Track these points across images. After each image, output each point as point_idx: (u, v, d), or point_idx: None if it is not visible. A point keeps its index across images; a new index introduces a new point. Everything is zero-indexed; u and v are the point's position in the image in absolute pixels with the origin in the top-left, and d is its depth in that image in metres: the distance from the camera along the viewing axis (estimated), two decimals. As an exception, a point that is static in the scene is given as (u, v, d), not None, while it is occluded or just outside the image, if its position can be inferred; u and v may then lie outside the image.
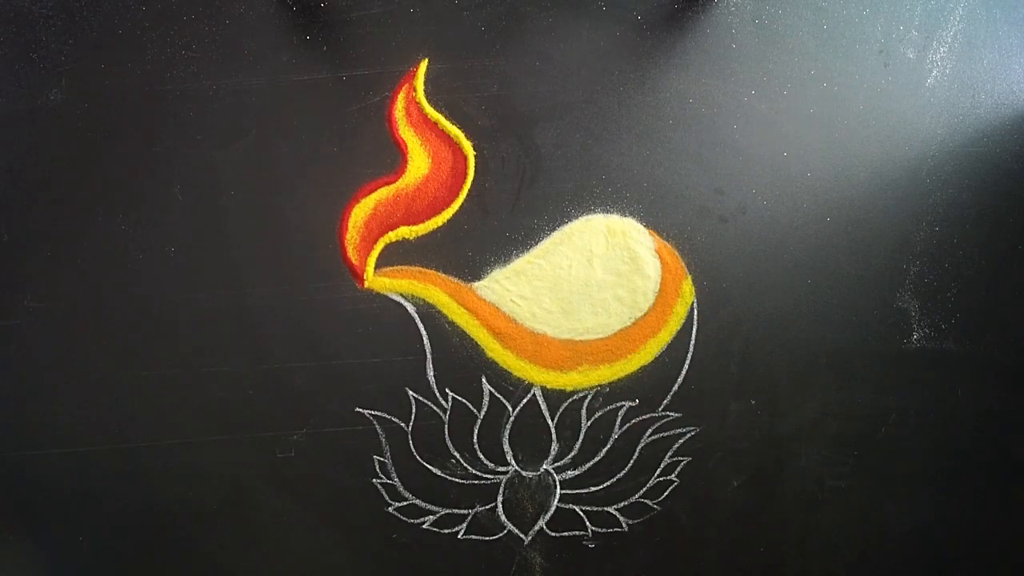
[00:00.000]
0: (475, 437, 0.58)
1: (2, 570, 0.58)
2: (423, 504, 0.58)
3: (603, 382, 0.59)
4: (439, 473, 0.58)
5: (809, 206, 0.60)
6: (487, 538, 0.58)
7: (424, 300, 0.59)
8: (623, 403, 0.59)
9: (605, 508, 0.58)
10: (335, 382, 0.58)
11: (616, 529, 0.58)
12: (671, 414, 0.58)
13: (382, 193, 0.59)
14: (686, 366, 0.59)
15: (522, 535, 0.58)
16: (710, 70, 0.61)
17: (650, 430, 0.59)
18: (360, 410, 0.58)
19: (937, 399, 0.59)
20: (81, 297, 0.58)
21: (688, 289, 0.59)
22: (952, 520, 0.59)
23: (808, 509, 0.58)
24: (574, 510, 0.58)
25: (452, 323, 0.59)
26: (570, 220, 0.60)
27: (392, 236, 0.59)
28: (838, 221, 0.60)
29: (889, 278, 0.60)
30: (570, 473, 0.58)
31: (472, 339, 0.59)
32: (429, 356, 0.58)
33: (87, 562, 0.58)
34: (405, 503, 0.58)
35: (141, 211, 0.59)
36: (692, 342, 0.59)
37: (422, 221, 0.60)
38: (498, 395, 0.59)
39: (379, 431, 0.58)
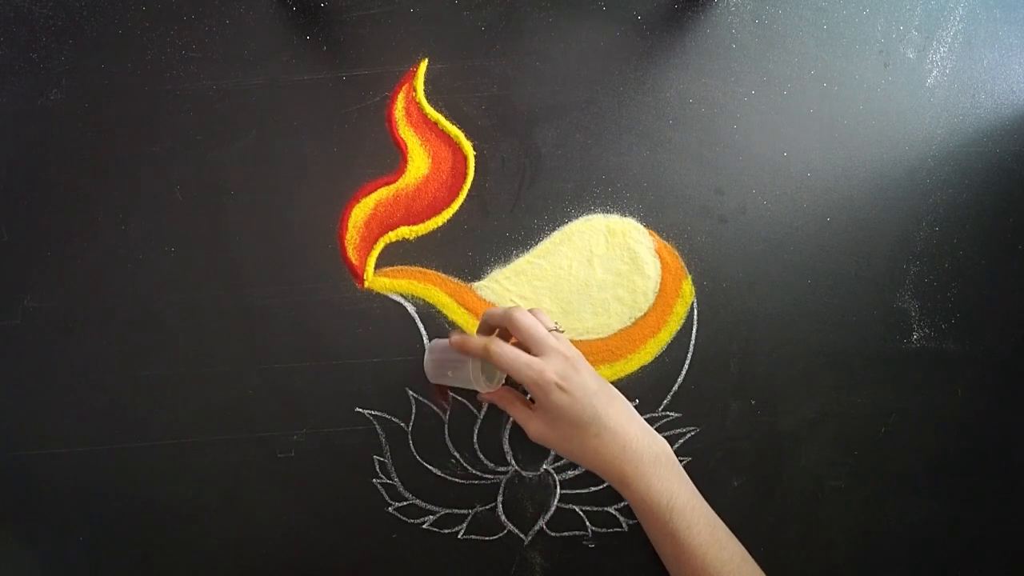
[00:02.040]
0: (475, 437, 0.58)
1: (2, 570, 0.58)
2: (423, 504, 0.58)
3: (603, 382, 0.59)
4: (439, 473, 0.58)
5: (809, 206, 0.60)
6: (487, 538, 0.58)
7: (424, 300, 0.59)
8: (623, 403, 0.59)
9: (605, 508, 0.58)
10: (335, 382, 0.58)
11: (616, 529, 0.58)
12: (671, 414, 0.58)
13: (382, 193, 0.59)
14: (686, 366, 0.59)
15: (522, 535, 0.58)
16: (710, 70, 0.61)
17: (650, 430, 0.59)
18: (360, 410, 0.58)
19: (937, 399, 0.59)
20: (81, 297, 0.59)
21: (688, 289, 0.59)
22: (952, 520, 0.59)
23: (808, 509, 0.58)
24: (574, 510, 0.58)
25: (452, 323, 0.59)
26: (570, 220, 0.60)
27: (392, 236, 0.59)
28: (838, 221, 0.60)
29: (889, 278, 0.60)
30: (570, 473, 0.58)
31: (472, 339, 0.59)
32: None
33: (86, 562, 0.58)
34: (405, 503, 0.58)
35: (141, 211, 0.59)
36: (692, 342, 0.59)
37: (422, 221, 0.60)
38: (498, 395, 0.59)
39: (379, 431, 0.58)
